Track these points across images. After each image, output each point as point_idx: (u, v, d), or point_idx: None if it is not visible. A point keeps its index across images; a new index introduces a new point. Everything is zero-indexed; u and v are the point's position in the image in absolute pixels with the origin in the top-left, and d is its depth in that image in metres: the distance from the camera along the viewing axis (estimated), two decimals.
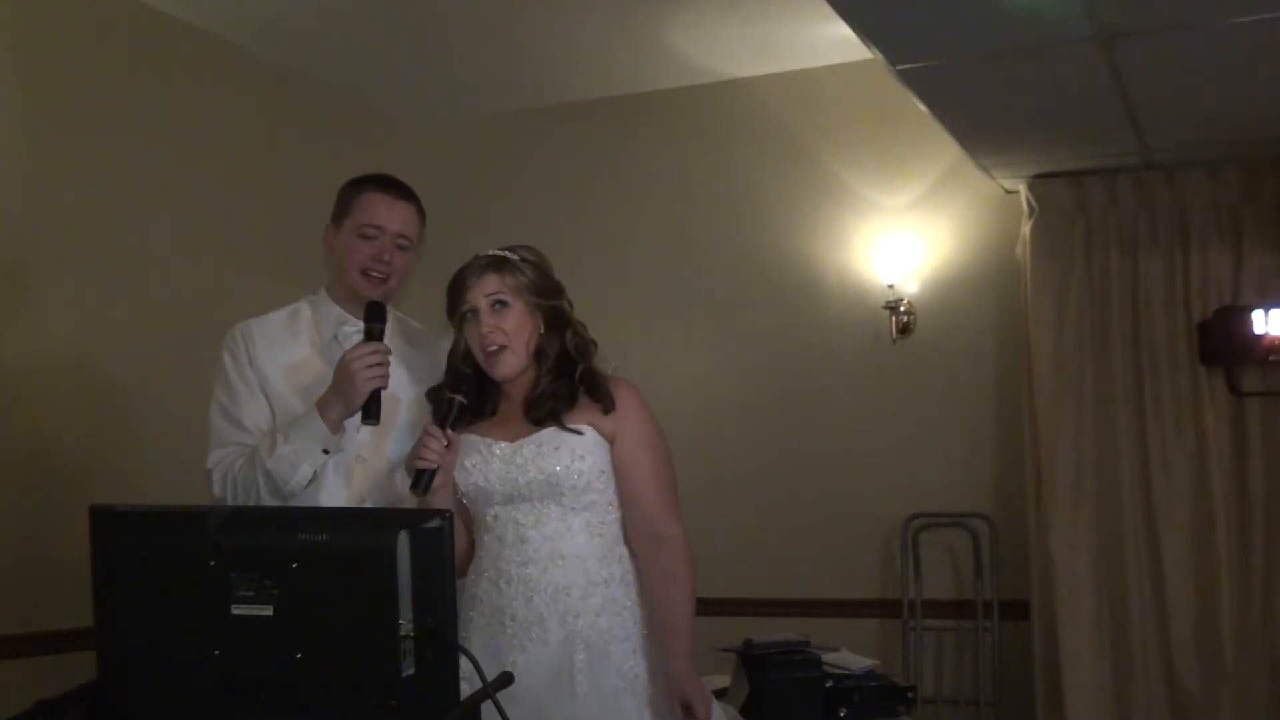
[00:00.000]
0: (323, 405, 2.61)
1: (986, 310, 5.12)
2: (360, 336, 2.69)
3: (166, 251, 4.53)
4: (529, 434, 2.52)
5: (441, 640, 1.72)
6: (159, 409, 4.32)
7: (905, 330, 5.17)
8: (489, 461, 2.51)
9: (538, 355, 2.57)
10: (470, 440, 2.56)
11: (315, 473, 2.61)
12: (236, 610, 1.76)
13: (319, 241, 2.85)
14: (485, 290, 2.54)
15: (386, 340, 2.67)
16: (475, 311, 2.55)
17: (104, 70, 4.37)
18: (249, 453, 2.65)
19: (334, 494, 2.68)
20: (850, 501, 5.20)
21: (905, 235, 5.19)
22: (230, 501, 2.62)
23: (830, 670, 3.73)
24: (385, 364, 2.59)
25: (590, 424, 2.51)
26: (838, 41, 4.72)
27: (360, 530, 1.82)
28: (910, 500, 5.07)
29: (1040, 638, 4.78)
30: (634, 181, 5.61)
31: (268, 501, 2.60)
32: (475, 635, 2.46)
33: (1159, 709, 4.64)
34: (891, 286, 5.17)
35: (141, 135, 4.48)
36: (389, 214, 2.75)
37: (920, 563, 5.02)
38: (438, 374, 2.67)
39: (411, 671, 1.71)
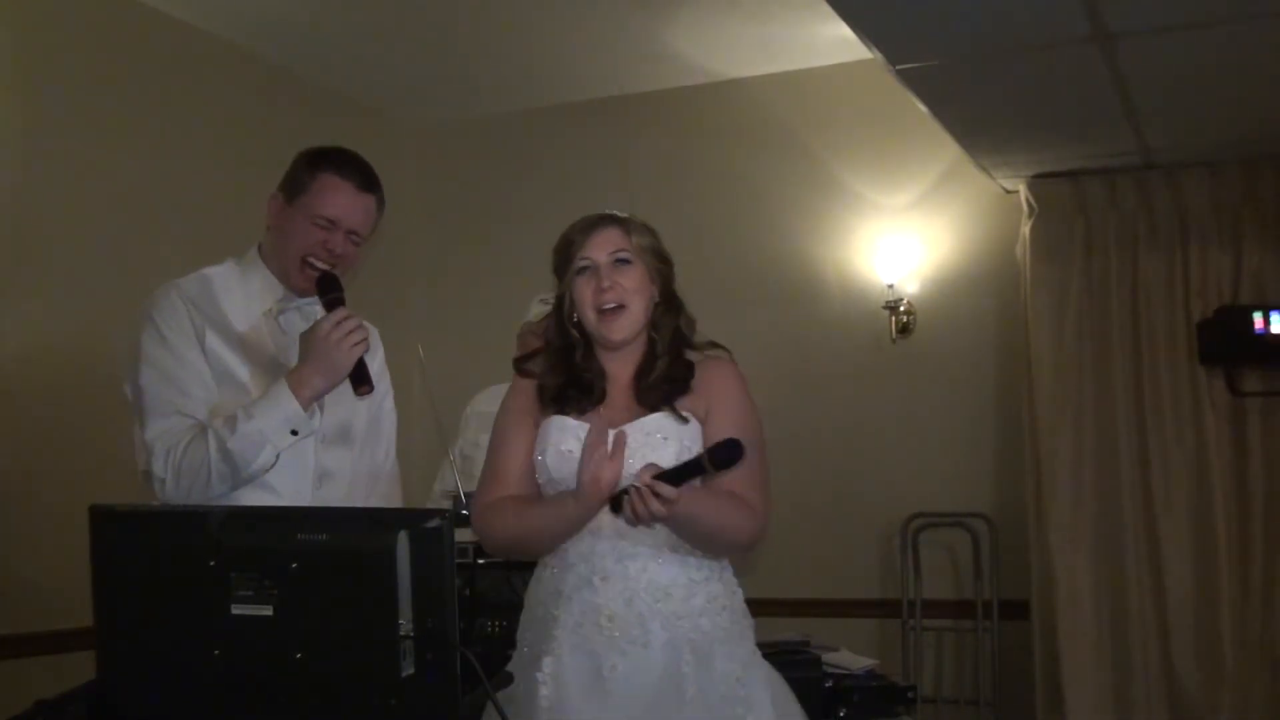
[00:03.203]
0: (295, 382, 2.40)
1: (986, 310, 5.13)
2: (301, 319, 2.55)
3: (166, 250, 4.52)
4: (632, 420, 2.33)
5: (441, 640, 1.72)
6: None
7: (905, 330, 5.17)
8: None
9: (652, 328, 2.40)
10: (566, 423, 2.35)
11: (279, 456, 2.41)
12: (236, 610, 1.75)
13: None
14: (608, 245, 2.37)
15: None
16: (594, 267, 2.36)
17: (104, 70, 4.38)
18: (196, 428, 2.40)
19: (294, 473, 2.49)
20: (850, 501, 5.20)
21: (905, 235, 5.19)
22: (171, 481, 2.38)
23: (830, 670, 3.73)
24: (363, 328, 2.45)
25: (689, 408, 2.34)
26: (838, 41, 4.72)
27: (360, 530, 1.81)
28: (910, 500, 5.07)
29: (1040, 638, 4.78)
30: (634, 181, 5.60)
31: (216, 485, 2.37)
32: (565, 635, 2.27)
33: (1159, 709, 4.64)
34: (891, 286, 5.17)
35: (141, 134, 4.48)
36: (347, 206, 2.53)
37: (920, 563, 5.02)
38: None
39: (411, 671, 1.71)
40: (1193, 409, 4.71)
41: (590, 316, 2.37)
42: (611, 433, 2.27)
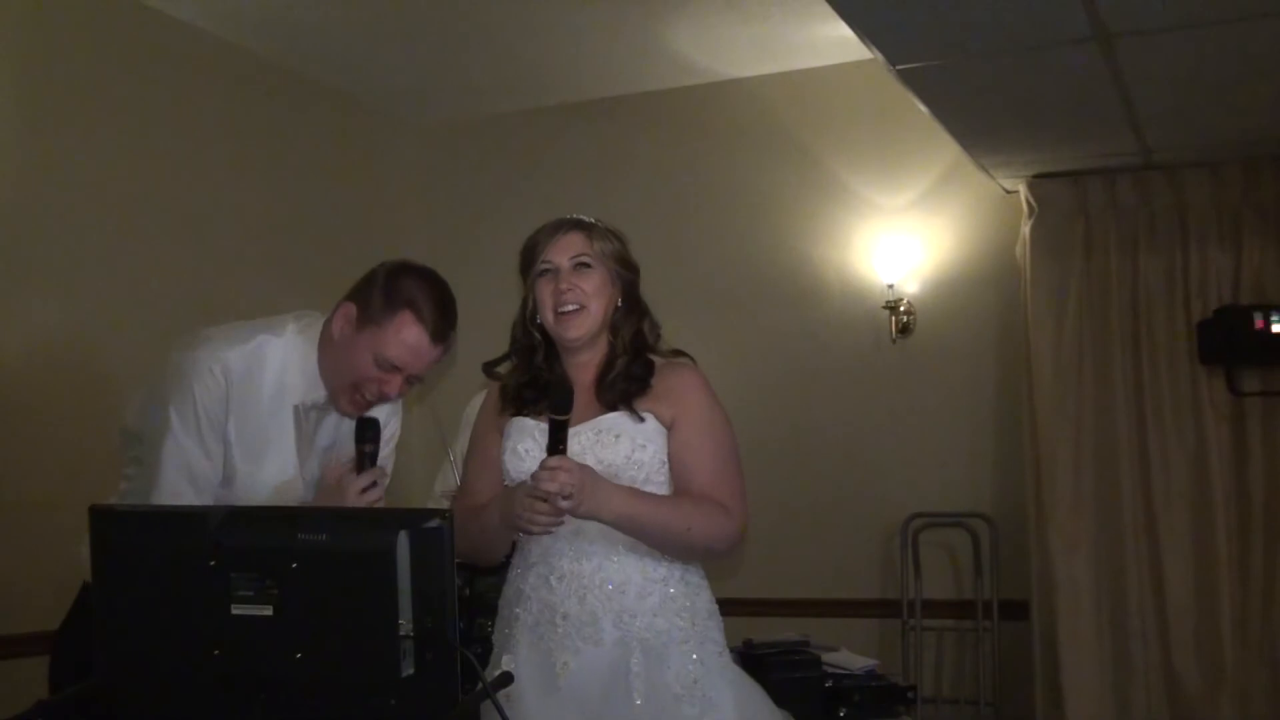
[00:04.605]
0: None
1: (986, 310, 5.13)
2: (327, 428, 2.56)
3: (166, 250, 4.53)
4: (587, 419, 2.35)
5: (441, 640, 1.72)
6: None
7: (905, 330, 5.17)
8: (544, 448, 2.30)
9: (612, 332, 2.44)
10: (524, 424, 2.40)
11: None
12: (236, 610, 1.76)
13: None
14: (569, 249, 2.41)
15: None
16: (554, 270, 2.40)
17: (104, 69, 4.37)
18: None
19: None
20: (850, 501, 5.20)
21: (905, 235, 5.19)
22: None
23: (830, 670, 3.74)
24: (382, 493, 2.43)
25: (651, 410, 2.37)
26: (838, 41, 4.72)
27: (360, 530, 1.82)
28: (910, 500, 5.07)
29: (1040, 638, 4.78)
30: (634, 182, 5.61)
31: None
32: (523, 633, 2.32)
33: (1159, 709, 4.64)
34: (891, 286, 5.17)
35: (141, 134, 4.48)
36: (415, 356, 2.45)
37: (920, 563, 5.02)
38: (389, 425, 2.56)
39: (411, 671, 1.72)
40: (1193, 409, 4.71)
41: (549, 317, 2.43)
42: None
